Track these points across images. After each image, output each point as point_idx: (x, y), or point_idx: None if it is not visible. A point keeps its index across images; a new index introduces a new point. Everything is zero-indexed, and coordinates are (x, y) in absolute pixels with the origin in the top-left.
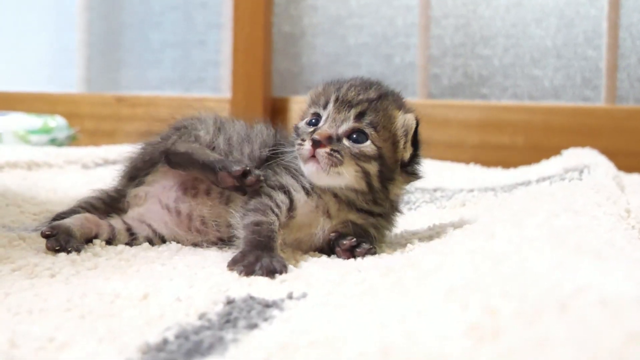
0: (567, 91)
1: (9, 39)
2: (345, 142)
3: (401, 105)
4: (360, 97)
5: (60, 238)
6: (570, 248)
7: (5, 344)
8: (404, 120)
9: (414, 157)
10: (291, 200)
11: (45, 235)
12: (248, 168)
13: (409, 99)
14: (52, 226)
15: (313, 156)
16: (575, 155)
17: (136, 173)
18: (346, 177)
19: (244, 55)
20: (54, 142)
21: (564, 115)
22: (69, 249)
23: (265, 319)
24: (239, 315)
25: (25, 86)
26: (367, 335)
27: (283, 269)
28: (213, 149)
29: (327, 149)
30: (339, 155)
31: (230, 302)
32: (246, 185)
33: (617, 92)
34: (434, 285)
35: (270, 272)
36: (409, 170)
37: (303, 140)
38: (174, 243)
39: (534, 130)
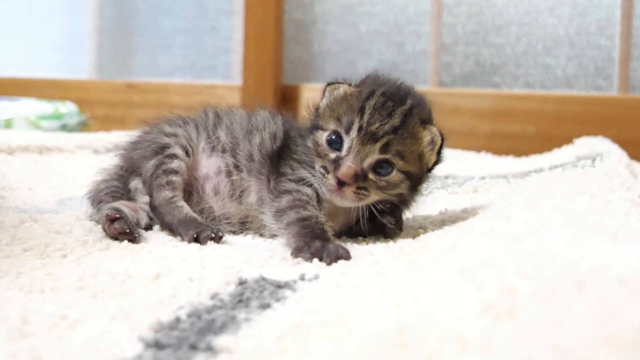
0: (579, 80)
1: (21, 24)
2: (371, 175)
3: (425, 118)
4: (385, 127)
5: (127, 221)
6: (586, 228)
7: (17, 320)
8: (430, 138)
9: (438, 159)
10: (317, 194)
11: (112, 219)
12: (203, 235)
13: (421, 87)
14: (115, 208)
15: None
16: (588, 144)
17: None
18: (374, 199)
19: (255, 42)
20: (64, 128)
21: (576, 104)
22: (136, 235)
23: (278, 299)
24: (251, 296)
25: (36, 72)
26: (381, 314)
27: (348, 255)
28: (213, 148)
29: (353, 188)
30: (365, 192)
31: (242, 282)
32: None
33: (629, 81)
34: (449, 265)
35: (337, 259)
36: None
37: (325, 169)
38: None
39: (546, 119)
